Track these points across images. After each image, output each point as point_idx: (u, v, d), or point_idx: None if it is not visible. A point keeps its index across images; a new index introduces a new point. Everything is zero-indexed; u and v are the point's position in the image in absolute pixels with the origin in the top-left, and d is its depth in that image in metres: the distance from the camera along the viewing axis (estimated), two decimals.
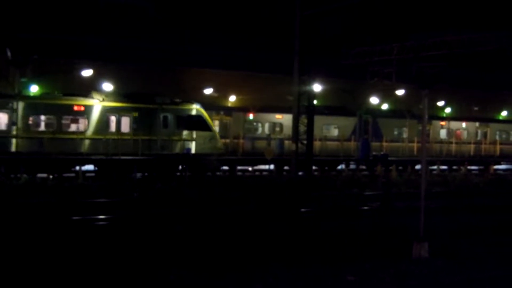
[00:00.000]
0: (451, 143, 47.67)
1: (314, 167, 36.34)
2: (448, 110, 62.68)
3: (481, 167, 47.06)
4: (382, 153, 38.42)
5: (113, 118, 34.77)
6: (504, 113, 66.59)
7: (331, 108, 44.40)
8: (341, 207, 25.50)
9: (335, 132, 43.64)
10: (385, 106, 55.36)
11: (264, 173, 38.48)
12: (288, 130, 37.39)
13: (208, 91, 49.54)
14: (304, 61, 32.66)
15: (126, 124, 34.87)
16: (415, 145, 44.11)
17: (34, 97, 35.89)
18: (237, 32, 54.40)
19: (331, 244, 17.24)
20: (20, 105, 32.78)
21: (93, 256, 14.75)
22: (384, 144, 42.95)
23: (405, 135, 45.80)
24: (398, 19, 51.92)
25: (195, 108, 37.11)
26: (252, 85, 53.07)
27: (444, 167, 45.46)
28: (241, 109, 44.29)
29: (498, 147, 49.43)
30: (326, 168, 40.76)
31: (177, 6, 53.65)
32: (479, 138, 50.17)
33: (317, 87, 39.14)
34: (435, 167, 44.24)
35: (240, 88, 52.04)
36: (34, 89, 38.39)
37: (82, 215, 20.93)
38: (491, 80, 63.28)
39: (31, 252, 15.00)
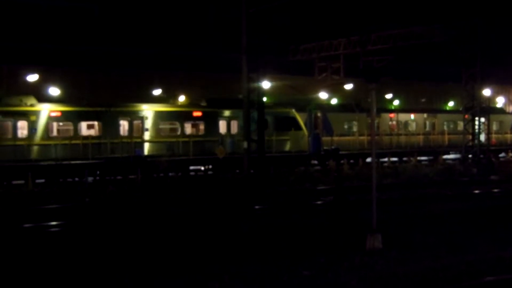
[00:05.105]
0: (401, 134, 48.23)
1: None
2: (396, 102, 63.51)
3: (431, 157, 47.74)
4: (333, 147, 38.62)
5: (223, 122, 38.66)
6: (450, 104, 67.79)
7: (281, 105, 44.44)
8: (295, 203, 25.59)
9: None
10: (334, 101, 55.76)
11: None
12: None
13: (157, 92, 49.24)
14: (252, 58, 32.64)
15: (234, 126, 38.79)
16: (365, 138, 44.46)
17: None
18: (184, 32, 54.16)
19: (286, 240, 17.31)
20: None
21: (46, 265, 14.55)
22: (335, 138, 43.18)
23: (355, 129, 46.12)
24: (344, 13, 52.41)
25: (289, 111, 41.05)
26: (202, 84, 52.89)
27: (395, 158, 45.99)
28: None
29: (446, 137, 50.19)
30: None
31: (123, 6, 53.14)
32: (427, 129, 50.86)
33: (266, 84, 39.17)
34: (385, 159, 44.71)
35: (190, 88, 51.82)
36: None
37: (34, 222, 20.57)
38: (436, 71, 64.30)
39: None
